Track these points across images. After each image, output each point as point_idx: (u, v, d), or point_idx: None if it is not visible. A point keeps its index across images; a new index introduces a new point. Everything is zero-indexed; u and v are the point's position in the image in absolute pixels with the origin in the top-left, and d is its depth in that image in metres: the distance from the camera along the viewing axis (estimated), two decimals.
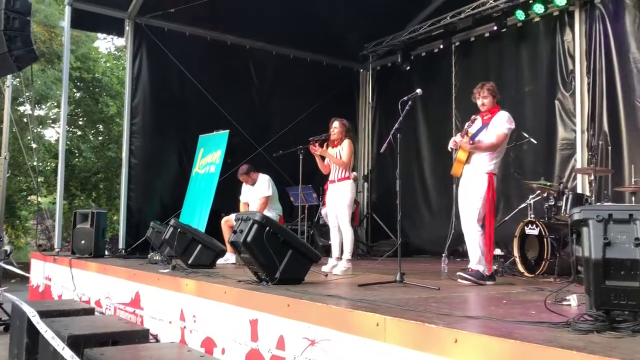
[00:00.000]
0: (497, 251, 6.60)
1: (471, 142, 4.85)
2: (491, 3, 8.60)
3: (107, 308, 6.05)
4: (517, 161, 8.01)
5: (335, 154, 5.93)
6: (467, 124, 4.94)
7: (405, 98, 4.92)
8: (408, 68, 10.15)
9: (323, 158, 5.96)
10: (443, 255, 6.01)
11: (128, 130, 9.21)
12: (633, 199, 5.60)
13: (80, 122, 18.96)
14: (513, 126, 4.89)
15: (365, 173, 11.16)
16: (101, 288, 6.28)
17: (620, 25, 7.40)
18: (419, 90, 4.92)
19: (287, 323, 3.42)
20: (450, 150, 5.03)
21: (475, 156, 4.88)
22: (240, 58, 10.07)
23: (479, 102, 4.99)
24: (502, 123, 4.85)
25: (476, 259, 4.80)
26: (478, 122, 5.01)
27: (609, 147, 7.16)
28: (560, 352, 2.12)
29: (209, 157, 9.11)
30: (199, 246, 6.08)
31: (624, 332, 2.44)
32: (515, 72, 8.69)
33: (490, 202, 4.82)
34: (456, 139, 4.96)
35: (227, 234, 6.83)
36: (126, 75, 9.48)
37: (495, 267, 6.05)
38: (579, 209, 2.68)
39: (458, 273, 4.82)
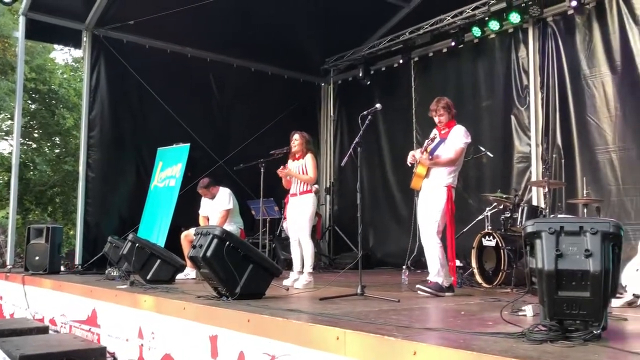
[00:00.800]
0: (457, 262, 6.70)
1: (430, 157, 4.94)
2: (448, 20, 8.80)
3: (62, 326, 5.88)
4: (475, 174, 8.17)
5: (298, 168, 5.93)
6: (426, 141, 5.03)
7: (365, 112, 4.99)
8: (368, 83, 10.28)
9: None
10: (404, 267, 6.07)
11: (85, 143, 9.03)
12: (585, 210, 5.77)
13: (36, 135, 18.47)
14: (469, 140, 5.02)
15: (328, 186, 11.20)
16: (56, 306, 6.10)
17: (571, 42, 7.67)
18: (378, 105, 5.00)
19: (247, 339, 3.39)
20: (409, 165, 5.11)
21: (434, 170, 4.98)
22: (200, 71, 10.01)
23: (435, 119, 5.10)
24: (459, 137, 4.96)
25: (435, 270, 4.86)
26: (436, 136, 5.12)
27: (562, 161, 7.38)
28: None
29: (169, 171, 9.00)
30: (158, 261, 5.99)
31: (576, 341, 2.51)
32: (472, 87, 8.91)
33: (450, 215, 4.91)
34: (415, 154, 5.04)
35: (186, 249, 6.73)
36: (83, 87, 9.31)
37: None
38: (532, 221, 2.75)
39: (417, 285, 4.87)
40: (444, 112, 5.04)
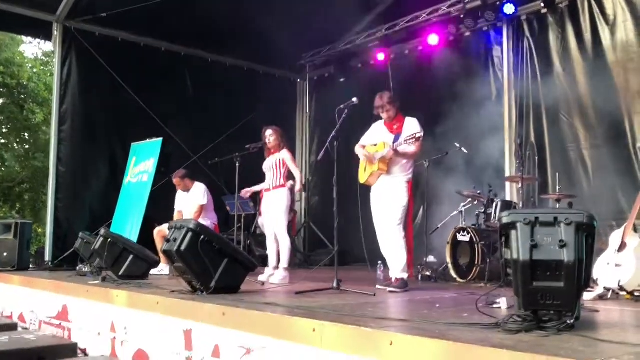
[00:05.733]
0: (431, 258, 6.76)
1: (395, 150, 4.90)
2: (424, 17, 8.85)
3: (31, 323, 5.76)
4: (449, 170, 8.23)
5: (273, 163, 5.91)
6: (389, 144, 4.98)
7: (342, 106, 5.00)
8: (342, 80, 10.29)
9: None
10: (379, 262, 6.09)
11: (56, 137, 8.84)
12: (558, 205, 5.86)
13: (4, 130, 18.06)
14: (422, 132, 4.99)
15: (303, 182, 11.16)
16: (25, 302, 5.97)
17: (544, 41, 7.78)
18: (355, 99, 5.00)
19: (222, 332, 3.37)
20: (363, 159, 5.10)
21: (396, 167, 5.01)
22: (175, 65, 9.87)
23: (383, 116, 5.10)
24: (416, 129, 4.95)
25: (400, 266, 4.90)
26: (384, 133, 5.09)
27: (536, 157, 7.49)
28: (491, 351, 2.19)
29: (142, 166, 8.87)
30: (131, 257, 5.92)
31: (550, 331, 2.55)
32: (448, 85, 8.96)
33: (410, 209, 5.07)
34: (376, 155, 5.02)
35: (160, 245, 6.64)
36: (54, 79, 9.10)
37: (428, 273, 6.22)
38: (507, 212, 2.78)
39: (389, 290, 4.87)
40: (391, 107, 5.05)
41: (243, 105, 10.19)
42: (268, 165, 5.96)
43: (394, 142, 4.96)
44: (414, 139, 4.74)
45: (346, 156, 5.14)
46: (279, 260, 5.77)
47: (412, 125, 4.95)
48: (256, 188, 5.96)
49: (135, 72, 9.27)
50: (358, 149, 5.16)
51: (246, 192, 6.03)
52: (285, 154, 5.88)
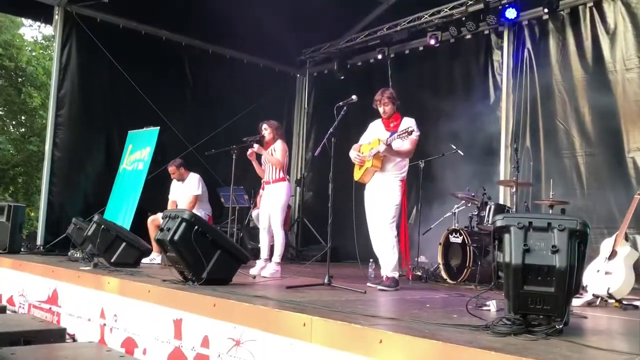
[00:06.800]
0: (422, 258, 6.78)
1: (388, 146, 4.88)
2: (426, 18, 8.85)
3: (20, 306, 5.74)
4: (444, 172, 8.24)
5: (268, 153, 5.91)
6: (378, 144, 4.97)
7: (341, 103, 5.01)
8: (342, 77, 10.29)
9: (259, 158, 5.93)
10: (371, 260, 6.10)
11: (53, 121, 8.79)
12: (551, 211, 5.88)
13: (0, 112, 17.95)
14: (420, 132, 5.03)
15: (298, 177, 11.18)
16: (15, 285, 5.95)
17: (544, 47, 7.79)
18: (354, 97, 5.01)
19: (212, 323, 3.36)
20: (358, 163, 5.11)
21: (390, 164, 5.01)
22: (175, 54, 9.85)
23: (380, 109, 5.11)
24: (413, 128, 4.93)
25: (392, 266, 4.91)
26: (381, 130, 5.10)
27: (531, 163, 7.51)
28: (479, 352, 2.19)
29: (138, 154, 8.85)
30: (123, 244, 5.92)
31: (539, 335, 2.56)
32: (447, 87, 8.98)
33: (405, 208, 5.10)
34: (357, 155, 5.04)
35: (153, 234, 6.66)
36: (53, 63, 9.05)
37: (419, 274, 6.23)
38: (501, 216, 2.79)
39: (379, 288, 4.88)
40: (388, 102, 5.06)
41: (241, 98, 10.19)
42: (266, 154, 5.95)
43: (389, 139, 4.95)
44: (407, 133, 4.73)
45: (343, 153, 5.13)
46: (271, 254, 5.77)
47: (408, 125, 4.94)
48: (263, 151, 5.85)
49: (135, 60, 9.25)
50: (351, 152, 5.16)
51: (251, 153, 5.88)
52: (277, 144, 5.88)
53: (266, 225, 5.83)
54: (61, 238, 7.96)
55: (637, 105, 6.78)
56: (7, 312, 5.61)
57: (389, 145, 4.85)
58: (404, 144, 4.91)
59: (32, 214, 16.46)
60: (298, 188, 11.03)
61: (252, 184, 8.02)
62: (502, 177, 7.76)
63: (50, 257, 6.83)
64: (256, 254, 6.53)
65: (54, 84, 8.91)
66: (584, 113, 7.25)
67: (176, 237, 4.20)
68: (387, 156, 4.94)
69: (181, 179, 7.24)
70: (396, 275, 4.93)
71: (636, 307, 4.20)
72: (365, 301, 3.86)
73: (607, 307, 4.26)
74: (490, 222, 5.80)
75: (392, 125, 5.05)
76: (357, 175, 5.19)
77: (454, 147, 6.92)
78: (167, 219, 4.46)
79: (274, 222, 5.72)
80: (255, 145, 5.83)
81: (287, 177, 6.05)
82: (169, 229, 4.30)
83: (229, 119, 9.80)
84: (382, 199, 4.97)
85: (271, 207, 5.77)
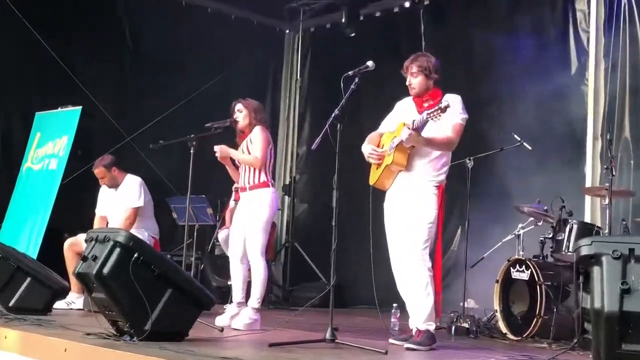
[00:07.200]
0: (471, 302, 6.77)
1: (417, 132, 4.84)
2: None
3: None
4: (503, 175, 8.25)
5: (242, 150, 5.91)
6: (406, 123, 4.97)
7: (351, 73, 5.01)
8: (353, 35, 10.26)
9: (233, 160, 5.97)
10: (394, 305, 6.09)
11: None
12: None
13: None
14: (467, 115, 5.02)
15: (287, 182, 11.16)
16: None
17: None
18: (370, 63, 5.01)
19: None
20: (375, 162, 5.12)
21: (419, 161, 4.96)
22: (107, 9, 9.87)
23: (407, 81, 5.10)
24: (456, 110, 4.92)
25: (424, 313, 4.89)
26: (411, 111, 5.08)
27: (632, 161, 7.49)
28: None
29: (49, 146, 8.86)
30: (28, 280, 5.93)
31: None
32: (504, 50, 8.93)
33: (440, 227, 5.05)
34: (373, 151, 5.05)
35: (72, 265, 6.65)
36: None
37: (466, 325, 6.23)
38: (589, 240, 2.79)
39: (405, 346, 4.88)
40: (418, 73, 5.03)
41: (204, 66, 10.22)
42: (241, 150, 5.95)
43: (422, 125, 4.88)
44: (440, 110, 4.66)
45: (354, 146, 5.13)
46: (247, 295, 5.77)
47: (452, 104, 4.90)
48: (231, 152, 5.90)
49: (49, 14, 9.24)
50: (365, 145, 5.13)
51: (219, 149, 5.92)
52: (255, 133, 5.88)
53: (239, 253, 5.83)
54: None
55: None
56: None
57: (415, 131, 4.79)
58: (441, 130, 4.90)
59: None
60: (287, 197, 11.02)
61: (220, 192, 8.02)
62: (589, 184, 7.75)
63: None
64: (225, 296, 6.52)
65: None
66: None
67: (106, 270, 4.20)
68: (415, 149, 4.91)
69: (114, 184, 7.23)
70: (432, 327, 4.92)
71: None
72: None
73: None
74: (571, 249, 5.79)
75: (426, 105, 5.03)
76: (373, 177, 5.17)
77: (518, 139, 6.91)
78: (93, 242, 4.46)
79: (251, 247, 5.72)
80: (217, 147, 5.85)
81: (272, 181, 6.05)
82: (95, 258, 4.29)
83: (184, 96, 9.80)
84: (409, 213, 4.95)
85: (247, 225, 5.77)
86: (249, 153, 5.87)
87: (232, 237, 6.03)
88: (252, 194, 5.83)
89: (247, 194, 5.86)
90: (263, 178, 5.84)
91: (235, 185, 6.11)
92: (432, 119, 4.72)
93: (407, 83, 5.11)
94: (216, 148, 5.88)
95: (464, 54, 8.99)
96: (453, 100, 4.94)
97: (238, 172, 5.99)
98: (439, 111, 4.65)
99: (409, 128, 4.77)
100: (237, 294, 5.86)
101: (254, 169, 5.82)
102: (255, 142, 5.85)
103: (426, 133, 4.88)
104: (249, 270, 5.80)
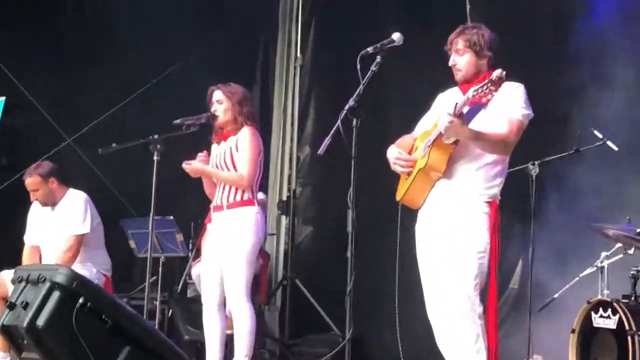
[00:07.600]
0: (538, 358, 6.76)
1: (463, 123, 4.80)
2: None
3: None
4: (579, 186, 8.26)
5: (223, 154, 5.94)
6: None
7: (371, 49, 5.00)
8: None
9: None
10: None
11: None
12: None
13: None
14: (531, 112, 4.99)
15: (285, 197, 11.19)
16: None
17: None
18: (396, 36, 5.00)
19: None
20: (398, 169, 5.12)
21: (466, 166, 4.95)
22: None
23: (450, 60, 5.08)
24: (517, 101, 4.93)
25: None
26: (459, 99, 5.06)
27: None
28: None
29: None
30: None
31: None
32: (580, 29, 8.93)
33: (495, 256, 4.94)
34: (401, 157, 5.04)
35: None
36: None
37: None
38: None
39: None
40: (465, 49, 5.01)
41: (167, 41, 10.29)
42: (219, 159, 5.99)
43: (470, 116, 4.84)
44: (489, 84, 4.61)
45: (376, 148, 5.14)
46: (228, 352, 5.78)
47: (511, 96, 4.87)
48: (206, 169, 5.94)
49: None
50: (392, 149, 5.12)
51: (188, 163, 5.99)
52: (244, 137, 5.90)
53: (215, 299, 5.84)
54: None
55: None
56: None
57: (458, 118, 4.75)
58: (496, 126, 4.89)
59: None
60: (284, 218, 11.04)
61: (193, 212, 8.05)
62: None
63: None
64: (200, 353, 6.54)
65: None
66: None
67: (41, 322, 4.20)
68: (459, 148, 4.89)
69: (50, 201, 7.25)
70: None
71: None
72: None
73: None
74: None
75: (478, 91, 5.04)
76: (401, 191, 5.17)
77: (600, 136, 6.92)
78: (23, 284, 4.47)
79: (231, 288, 5.75)
80: (187, 166, 5.95)
81: (258, 198, 6.08)
82: (26, 306, 4.30)
83: (143, 84, 9.85)
84: (452, 240, 4.95)
85: (226, 258, 5.78)
86: (232, 162, 5.88)
87: (204, 276, 6.04)
88: (230, 214, 5.86)
89: (224, 214, 5.89)
90: (247, 195, 5.86)
91: (212, 204, 6.12)
92: (480, 96, 4.65)
93: (450, 63, 5.10)
94: (186, 166, 5.89)
95: (527, 31, 8.96)
96: (513, 90, 4.94)
97: (213, 183, 6.01)
98: (489, 85, 4.59)
99: (451, 114, 4.66)
100: (214, 351, 5.86)
101: (232, 185, 5.86)
102: (243, 151, 5.88)
103: (477, 123, 4.87)
104: (230, 319, 5.80)
